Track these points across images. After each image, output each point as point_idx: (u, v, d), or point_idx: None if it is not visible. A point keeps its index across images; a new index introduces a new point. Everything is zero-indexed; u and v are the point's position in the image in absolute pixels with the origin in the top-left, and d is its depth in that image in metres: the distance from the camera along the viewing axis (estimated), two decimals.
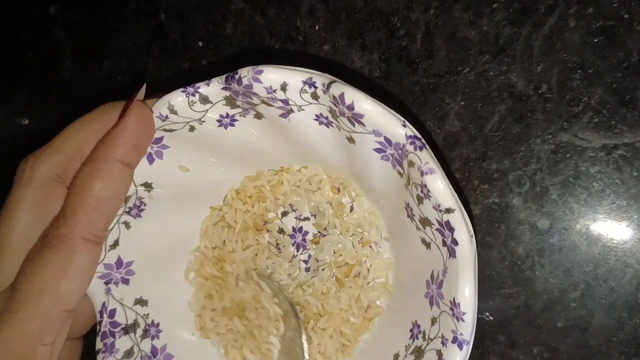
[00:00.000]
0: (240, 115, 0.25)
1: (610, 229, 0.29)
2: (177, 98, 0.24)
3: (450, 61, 0.32)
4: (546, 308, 0.30)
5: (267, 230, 0.31)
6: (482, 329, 0.32)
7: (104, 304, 0.26)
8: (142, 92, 0.25)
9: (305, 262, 0.31)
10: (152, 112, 0.24)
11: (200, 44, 0.37)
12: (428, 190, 0.21)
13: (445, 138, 0.32)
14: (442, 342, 0.23)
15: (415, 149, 0.21)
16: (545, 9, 0.30)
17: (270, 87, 0.22)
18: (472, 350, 0.32)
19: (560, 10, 0.29)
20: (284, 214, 0.31)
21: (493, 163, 0.31)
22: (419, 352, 0.24)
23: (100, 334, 0.26)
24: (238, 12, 0.36)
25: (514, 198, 0.31)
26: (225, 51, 0.37)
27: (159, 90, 0.25)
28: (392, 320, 0.28)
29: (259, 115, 0.25)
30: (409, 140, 0.21)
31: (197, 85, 0.24)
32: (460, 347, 0.22)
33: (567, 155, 0.30)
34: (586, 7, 0.29)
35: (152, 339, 0.28)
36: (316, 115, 0.24)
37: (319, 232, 0.31)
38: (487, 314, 0.31)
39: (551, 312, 0.30)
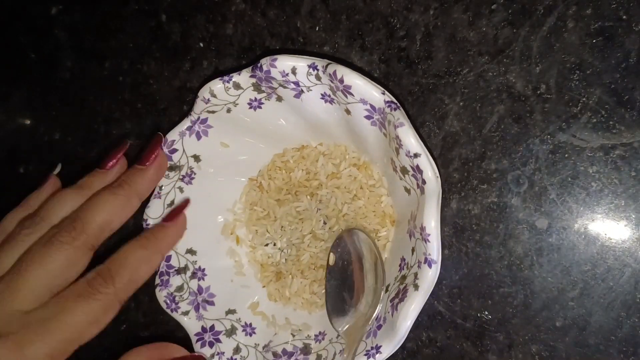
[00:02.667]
0: (265, 99, 0.31)
1: (608, 228, 0.29)
2: (217, 85, 0.30)
3: (449, 62, 0.32)
4: (545, 307, 0.30)
5: (296, 194, 0.35)
6: (481, 328, 0.32)
7: None
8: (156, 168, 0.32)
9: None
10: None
11: (201, 44, 0.37)
12: (400, 141, 0.26)
13: (445, 138, 0.32)
14: (418, 265, 0.27)
15: (391, 110, 0.26)
16: (544, 10, 0.30)
17: (284, 71, 0.28)
18: (471, 348, 0.32)
19: (559, 11, 0.30)
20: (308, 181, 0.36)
21: (492, 163, 0.31)
22: (402, 278, 0.29)
23: (158, 273, 0.33)
24: (238, 13, 0.36)
25: (512, 198, 0.31)
26: (226, 51, 0.37)
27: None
28: (388, 262, 0.32)
29: (279, 98, 0.31)
30: (387, 104, 0.26)
31: (231, 74, 0.30)
32: (430, 265, 0.26)
33: (566, 155, 0.30)
34: (585, 8, 0.29)
35: (199, 280, 0.34)
36: (321, 95, 0.29)
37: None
38: (486, 312, 0.32)
39: (550, 311, 0.30)
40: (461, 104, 0.32)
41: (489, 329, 0.32)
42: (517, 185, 0.31)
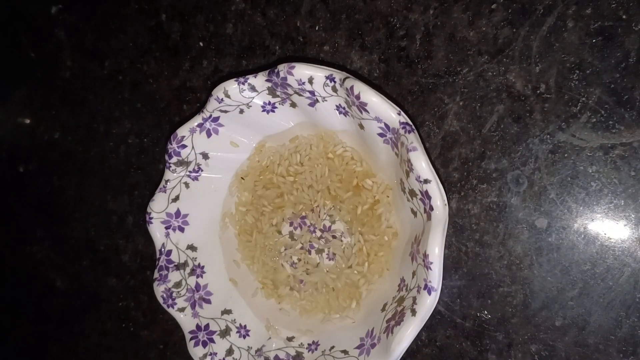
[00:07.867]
0: (279, 104, 0.32)
1: (608, 228, 0.29)
2: (232, 85, 0.30)
3: (449, 61, 0.32)
4: (544, 306, 0.30)
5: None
6: (480, 327, 0.32)
7: (163, 244, 0.34)
8: None
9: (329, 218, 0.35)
10: None
11: (201, 43, 0.37)
12: (411, 165, 0.26)
13: (444, 138, 0.32)
14: (417, 290, 0.27)
15: (405, 132, 0.27)
16: (543, 10, 0.30)
17: (300, 79, 0.28)
18: (470, 348, 0.32)
19: (559, 11, 0.30)
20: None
21: (492, 163, 0.31)
22: (401, 300, 0.29)
23: (157, 267, 0.33)
24: (238, 12, 0.36)
25: (512, 197, 0.31)
26: (226, 51, 0.37)
27: None
28: (387, 279, 0.33)
29: (293, 104, 0.31)
30: (402, 125, 0.27)
31: (247, 77, 0.30)
32: (429, 292, 0.27)
33: (565, 155, 0.30)
34: (584, 7, 0.29)
35: (197, 277, 0.34)
36: (336, 106, 0.29)
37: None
38: (486, 312, 0.32)
39: (549, 310, 0.30)
40: (461, 103, 0.32)
41: (488, 329, 0.32)
42: (516, 184, 0.31)
